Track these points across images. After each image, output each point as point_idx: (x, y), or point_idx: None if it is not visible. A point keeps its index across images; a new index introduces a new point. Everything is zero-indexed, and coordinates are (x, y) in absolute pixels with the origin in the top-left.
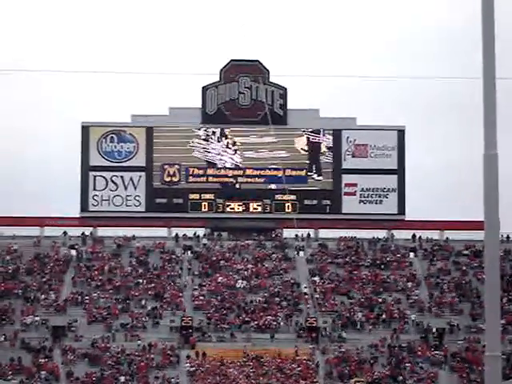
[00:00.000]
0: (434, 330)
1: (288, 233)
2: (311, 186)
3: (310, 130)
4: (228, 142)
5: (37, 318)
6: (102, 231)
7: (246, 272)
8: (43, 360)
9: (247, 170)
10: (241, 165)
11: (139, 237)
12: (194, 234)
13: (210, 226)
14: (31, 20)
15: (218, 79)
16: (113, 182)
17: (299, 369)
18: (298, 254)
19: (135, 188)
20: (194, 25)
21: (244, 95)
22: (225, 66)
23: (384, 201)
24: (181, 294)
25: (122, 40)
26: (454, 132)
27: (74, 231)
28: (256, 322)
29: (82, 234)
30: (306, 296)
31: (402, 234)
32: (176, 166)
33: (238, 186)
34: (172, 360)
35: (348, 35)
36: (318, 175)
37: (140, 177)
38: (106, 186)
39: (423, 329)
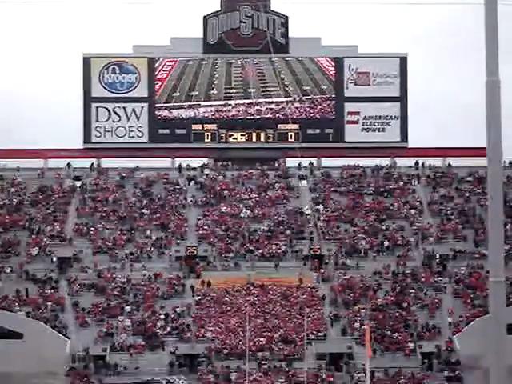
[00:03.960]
0: (438, 256)
1: (291, 162)
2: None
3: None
4: (231, 69)
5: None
6: (106, 162)
7: (249, 201)
8: (49, 291)
9: (247, 93)
10: (243, 95)
11: (143, 168)
12: (201, 165)
13: (213, 157)
14: None
15: (218, 8)
16: (115, 113)
17: (304, 296)
18: (301, 182)
19: (138, 119)
20: None
21: (245, 24)
22: None
23: (387, 128)
24: (185, 224)
25: None
26: (456, 59)
27: (78, 163)
28: (260, 251)
29: (92, 164)
30: (310, 224)
31: (405, 162)
32: (178, 96)
33: (240, 115)
34: (177, 289)
35: None
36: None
37: (142, 107)
38: (108, 117)
39: (427, 255)
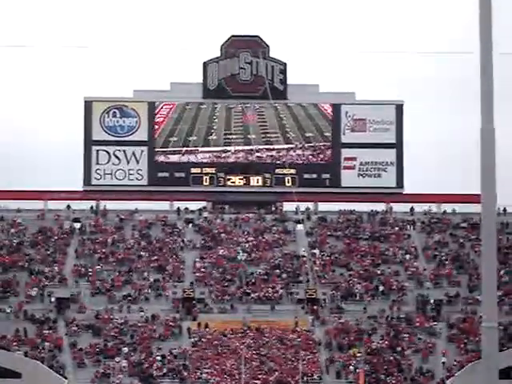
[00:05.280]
0: (432, 301)
1: (288, 206)
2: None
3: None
4: (230, 114)
5: (41, 291)
6: (105, 205)
7: (246, 244)
8: (47, 331)
9: (247, 139)
10: (243, 141)
11: (142, 210)
12: (200, 208)
13: (212, 200)
14: None
15: (218, 54)
16: (115, 156)
17: (299, 339)
18: (297, 226)
19: (137, 162)
20: (194, 0)
21: (244, 70)
22: (225, 42)
23: (383, 174)
24: (182, 267)
25: (124, 16)
26: (452, 107)
27: (78, 205)
28: (256, 294)
29: (92, 207)
30: (306, 268)
31: (401, 207)
32: (177, 141)
33: (239, 160)
34: (174, 331)
35: (347, 11)
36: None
37: (142, 151)
38: (108, 160)
39: (421, 300)
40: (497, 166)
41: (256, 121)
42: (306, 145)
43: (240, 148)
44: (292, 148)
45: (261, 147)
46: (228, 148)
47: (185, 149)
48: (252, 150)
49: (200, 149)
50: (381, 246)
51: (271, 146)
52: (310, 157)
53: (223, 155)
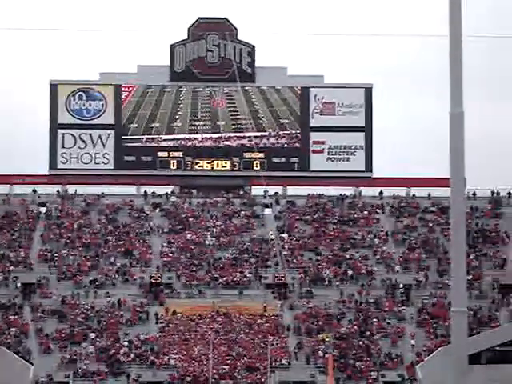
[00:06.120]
0: (401, 285)
1: (256, 190)
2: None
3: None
4: (197, 99)
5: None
6: (71, 189)
7: (214, 229)
8: (13, 317)
9: (215, 126)
10: (209, 121)
11: (108, 194)
12: (167, 192)
13: (179, 184)
14: None
15: (186, 37)
16: (81, 139)
17: (268, 324)
18: (266, 210)
19: (104, 146)
20: None
21: (212, 53)
22: (193, 24)
23: (352, 158)
24: (150, 251)
25: None
26: (421, 90)
27: (43, 189)
28: (225, 279)
29: (58, 191)
30: (275, 252)
31: (370, 191)
32: (137, 127)
33: (206, 141)
34: (141, 316)
35: None
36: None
37: (109, 134)
38: (74, 143)
39: (390, 285)
40: (466, 149)
41: (225, 106)
42: (281, 132)
43: (208, 136)
44: (265, 136)
45: (231, 135)
46: (195, 136)
47: (146, 137)
48: (221, 137)
49: (163, 136)
50: (350, 230)
51: (242, 134)
52: (279, 140)
53: (191, 139)
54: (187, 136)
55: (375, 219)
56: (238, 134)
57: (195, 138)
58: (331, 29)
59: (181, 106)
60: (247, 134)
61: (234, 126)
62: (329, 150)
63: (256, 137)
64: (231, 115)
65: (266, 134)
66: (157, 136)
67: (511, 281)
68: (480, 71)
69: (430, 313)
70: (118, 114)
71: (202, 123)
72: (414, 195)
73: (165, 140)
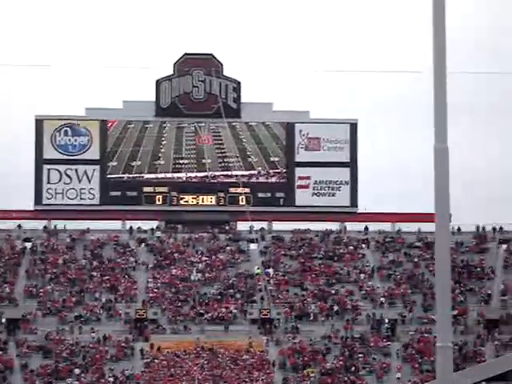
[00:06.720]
0: (387, 321)
1: (242, 225)
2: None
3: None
4: (182, 135)
5: None
6: (58, 224)
7: (200, 264)
8: None
9: (201, 165)
10: (195, 159)
11: (93, 230)
12: (152, 228)
13: (164, 219)
14: None
15: (171, 72)
16: (67, 175)
17: (253, 360)
18: (251, 246)
19: (89, 181)
20: (147, 18)
21: (198, 88)
22: (178, 60)
23: (337, 193)
24: (135, 287)
25: (75, 34)
26: (406, 125)
27: (29, 224)
28: (210, 314)
29: (45, 227)
30: (260, 287)
31: (355, 226)
32: (130, 159)
33: (191, 179)
34: (126, 352)
35: (300, 29)
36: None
37: (94, 170)
38: (60, 179)
39: (376, 320)
40: (450, 184)
41: (212, 143)
42: (272, 171)
43: (193, 175)
44: (254, 175)
45: (217, 173)
46: (179, 175)
47: (126, 175)
48: (207, 176)
49: (145, 175)
50: (335, 265)
51: (229, 173)
52: (265, 176)
53: (175, 174)
54: (170, 175)
55: (360, 254)
56: (225, 173)
57: (179, 177)
58: (316, 65)
59: (164, 142)
60: (235, 173)
61: (220, 165)
62: (314, 185)
63: (244, 176)
64: (218, 152)
65: (255, 172)
66: (138, 175)
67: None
68: (464, 105)
69: (416, 348)
70: (103, 149)
71: (186, 161)
72: (399, 230)
73: (146, 179)
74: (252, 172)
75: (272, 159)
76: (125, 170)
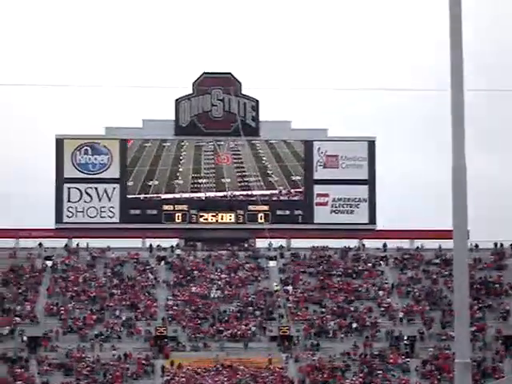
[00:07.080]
0: (406, 337)
1: (261, 243)
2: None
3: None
4: (200, 154)
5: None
6: (77, 242)
7: (219, 282)
8: (19, 370)
9: (220, 184)
10: (214, 179)
11: (114, 248)
12: (172, 245)
13: (184, 237)
14: (3, 33)
15: (190, 91)
16: (87, 193)
17: (272, 377)
18: (270, 263)
19: (109, 199)
20: (167, 38)
21: (216, 107)
22: (197, 79)
23: (355, 210)
24: (155, 304)
25: (95, 53)
26: (424, 143)
27: (49, 243)
28: (230, 331)
29: (66, 245)
30: (279, 305)
31: (373, 243)
32: (147, 179)
33: (211, 197)
34: (147, 370)
35: (319, 47)
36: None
37: (114, 188)
38: (80, 197)
39: (395, 337)
40: (468, 201)
41: (231, 162)
42: (293, 191)
43: (212, 195)
44: (275, 194)
45: (237, 193)
46: (197, 195)
47: (143, 196)
48: (226, 196)
49: (162, 196)
50: (354, 282)
51: (249, 192)
52: (286, 195)
53: (195, 191)
54: (188, 195)
55: (379, 271)
56: (245, 193)
57: (198, 197)
58: (334, 82)
59: (182, 161)
60: (255, 193)
61: (240, 184)
62: (333, 202)
63: (264, 195)
64: (237, 172)
65: (276, 192)
66: (155, 195)
67: None
68: (483, 123)
69: (435, 364)
70: (123, 168)
71: (205, 180)
72: (417, 247)
73: (164, 199)
74: (273, 191)
75: (293, 178)
76: (141, 189)
